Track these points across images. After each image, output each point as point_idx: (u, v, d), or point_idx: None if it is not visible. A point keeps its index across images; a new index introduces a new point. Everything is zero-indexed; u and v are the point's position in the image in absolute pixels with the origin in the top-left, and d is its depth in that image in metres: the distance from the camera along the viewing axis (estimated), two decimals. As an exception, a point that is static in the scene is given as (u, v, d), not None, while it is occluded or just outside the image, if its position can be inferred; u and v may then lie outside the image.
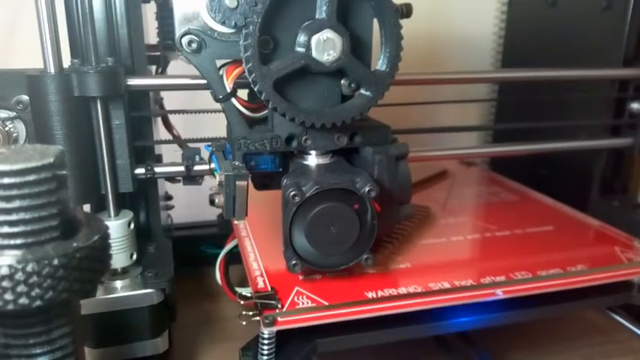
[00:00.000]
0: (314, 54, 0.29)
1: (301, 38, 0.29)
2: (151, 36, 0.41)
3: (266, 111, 0.33)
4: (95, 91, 0.32)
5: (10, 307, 0.16)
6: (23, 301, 0.16)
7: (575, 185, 0.52)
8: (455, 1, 0.65)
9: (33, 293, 0.16)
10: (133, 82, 0.34)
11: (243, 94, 0.33)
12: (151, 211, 0.40)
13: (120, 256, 0.36)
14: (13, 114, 0.32)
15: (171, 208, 0.51)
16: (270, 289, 0.32)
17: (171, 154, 0.40)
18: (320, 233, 0.31)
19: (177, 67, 0.44)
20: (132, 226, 0.36)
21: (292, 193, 0.30)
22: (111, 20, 0.34)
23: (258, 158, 0.33)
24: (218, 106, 0.32)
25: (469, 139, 0.67)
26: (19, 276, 0.16)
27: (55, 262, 0.16)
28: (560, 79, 0.48)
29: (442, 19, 0.64)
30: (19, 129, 0.33)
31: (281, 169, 0.34)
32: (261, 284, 0.33)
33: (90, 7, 0.33)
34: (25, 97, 0.32)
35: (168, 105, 0.45)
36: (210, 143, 0.35)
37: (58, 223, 0.18)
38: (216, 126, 0.41)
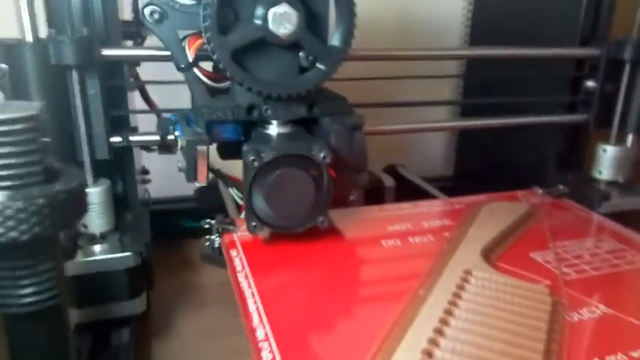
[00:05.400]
0: (270, 27, 0.31)
1: (259, 11, 0.31)
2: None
3: (230, 82, 0.34)
4: (71, 60, 0.33)
5: (2, 239, 0.18)
6: (13, 234, 0.18)
7: (533, 161, 0.55)
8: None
9: (21, 228, 0.18)
10: (108, 52, 0.35)
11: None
12: (127, 180, 0.41)
13: (98, 222, 0.37)
14: (-9, 82, 0.33)
15: (148, 182, 0.52)
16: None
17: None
18: (278, 196, 0.32)
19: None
20: (109, 193, 0.37)
21: (251, 158, 0.31)
22: (85, -8, 0.35)
23: (222, 127, 0.35)
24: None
25: (439, 116, 0.69)
26: (9, 212, 0.18)
27: (40, 201, 0.18)
28: (521, 57, 0.50)
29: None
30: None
31: (243, 138, 0.35)
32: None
33: (65, -21, 0.34)
34: (4, 66, 0.33)
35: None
36: (175, 113, 0.37)
37: (41, 169, 0.19)
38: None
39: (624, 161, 0.51)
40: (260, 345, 0.26)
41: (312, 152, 0.32)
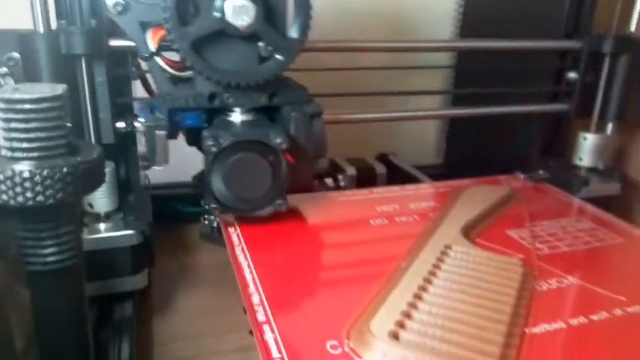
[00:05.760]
0: (229, 18, 0.32)
1: (217, 3, 0.32)
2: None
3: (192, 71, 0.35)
4: (81, 50, 0.35)
5: (30, 203, 0.20)
6: (40, 198, 0.20)
7: (519, 149, 0.57)
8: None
9: (47, 193, 0.20)
10: (115, 42, 0.37)
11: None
12: (130, 164, 0.43)
13: (103, 202, 0.39)
14: (4, 70, 0.35)
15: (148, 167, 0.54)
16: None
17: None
18: (236, 180, 0.34)
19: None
20: (114, 175, 0.40)
21: (210, 143, 0.33)
22: (92, -14, 0.37)
23: (184, 114, 0.36)
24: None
25: (432, 106, 0.72)
26: (37, 179, 0.20)
27: (65, 170, 0.21)
28: (509, 49, 0.52)
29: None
30: (10, 85, 0.36)
31: (206, 125, 0.37)
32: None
33: (74, -27, 0.36)
34: (16, 55, 0.35)
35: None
36: (140, 101, 0.38)
37: (65, 143, 0.22)
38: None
39: (604, 148, 0.53)
40: (255, 308, 0.29)
41: (269, 138, 0.34)
